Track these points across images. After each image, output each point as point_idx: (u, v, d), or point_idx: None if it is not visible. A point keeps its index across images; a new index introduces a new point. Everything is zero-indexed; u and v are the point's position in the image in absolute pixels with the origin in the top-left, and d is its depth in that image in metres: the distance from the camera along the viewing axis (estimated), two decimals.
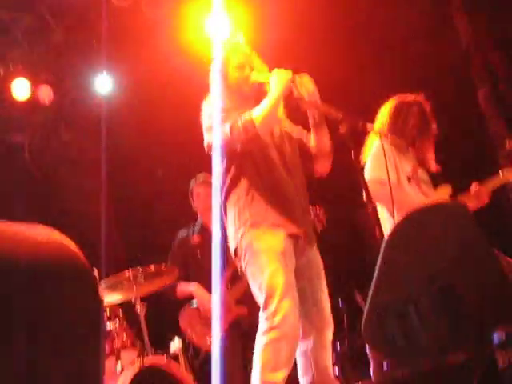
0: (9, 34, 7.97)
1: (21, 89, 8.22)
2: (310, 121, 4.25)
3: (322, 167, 4.37)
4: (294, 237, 4.00)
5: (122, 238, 9.53)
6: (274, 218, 3.96)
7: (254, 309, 4.21)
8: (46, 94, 8.46)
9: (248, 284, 4.05)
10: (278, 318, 3.75)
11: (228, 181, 4.12)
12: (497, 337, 2.44)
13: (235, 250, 4.03)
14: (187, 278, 6.22)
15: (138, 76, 8.81)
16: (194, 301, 6.19)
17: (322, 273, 4.18)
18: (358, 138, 4.03)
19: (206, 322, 5.89)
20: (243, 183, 4.08)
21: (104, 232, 8.12)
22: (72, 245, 1.75)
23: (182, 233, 6.47)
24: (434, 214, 3.04)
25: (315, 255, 4.19)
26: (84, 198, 8.98)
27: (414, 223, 2.98)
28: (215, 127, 4.03)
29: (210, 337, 5.81)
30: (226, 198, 4.14)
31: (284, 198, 4.05)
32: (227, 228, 4.16)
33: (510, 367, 2.36)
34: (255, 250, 3.92)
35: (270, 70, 4.23)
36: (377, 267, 2.97)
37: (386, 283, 2.92)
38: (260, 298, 3.90)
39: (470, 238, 2.88)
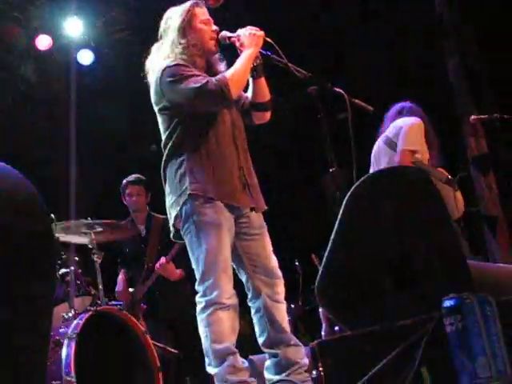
0: None
1: None
2: (250, 73, 4.15)
3: (262, 117, 4.31)
4: (233, 207, 3.99)
5: (88, 189, 9.45)
6: (214, 190, 3.91)
7: None
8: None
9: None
10: (215, 293, 3.84)
11: (171, 143, 4.01)
12: (446, 303, 2.47)
13: (175, 217, 4.01)
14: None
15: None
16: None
17: (265, 230, 4.18)
18: (326, 99, 3.98)
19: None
20: (187, 148, 3.97)
21: (74, 180, 8.08)
22: (26, 181, 1.73)
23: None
24: (393, 178, 3.07)
25: (258, 217, 4.17)
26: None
27: (372, 186, 3.00)
28: (178, 84, 3.87)
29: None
30: (168, 160, 4.05)
31: (226, 168, 3.96)
32: (166, 189, 4.11)
33: (456, 332, 2.40)
34: (194, 221, 3.90)
35: None
36: (334, 229, 2.99)
37: (341, 245, 2.95)
38: (196, 271, 3.96)
39: (427, 204, 2.90)
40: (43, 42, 8.50)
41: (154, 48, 4.21)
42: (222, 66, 4.16)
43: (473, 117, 5.87)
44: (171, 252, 6.09)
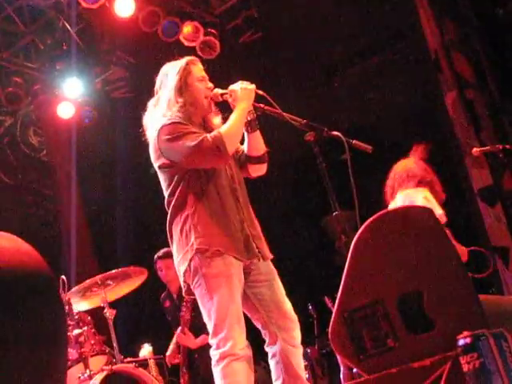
0: None
1: None
2: (244, 127, 4.18)
3: (258, 170, 4.33)
4: (239, 259, 4.00)
5: (92, 243, 9.48)
6: (221, 243, 3.92)
7: None
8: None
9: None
10: (228, 345, 3.82)
11: (174, 201, 4.01)
12: (461, 341, 2.46)
13: (184, 273, 4.01)
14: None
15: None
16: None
17: (276, 276, 4.18)
18: (324, 145, 3.99)
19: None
20: (189, 204, 3.97)
21: (74, 238, 8.11)
22: (35, 253, 1.74)
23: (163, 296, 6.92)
24: (401, 218, 3.07)
25: (266, 264, 4.17)
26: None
27: (377, 228, 3.00)
28: (175, 142, 3.89)
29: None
30: (172, 218, 4.05)
31: (229, 221, 4.00)
32: (172, 248, 4.11)
33: (473, 371, 2.38)
34: (204, 275, 3.89)
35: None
36: (344, 272, 2.99)
37: (352, 288, 2.94)
38: (209, 324, 3.95)
39: (436, 243, 2.90)
40: (44, 104, 8.62)
41: (151, 104, 4.25)
42: (217, 120, 4.19)
43: (475, 149, 5.86)
44: (182, 321, 6.15)
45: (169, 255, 6.47)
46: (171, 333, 6.66)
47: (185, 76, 4.12)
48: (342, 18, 8.50)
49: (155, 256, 6.75)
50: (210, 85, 4.19)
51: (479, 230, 7.87)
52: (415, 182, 5.39)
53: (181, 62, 4.20)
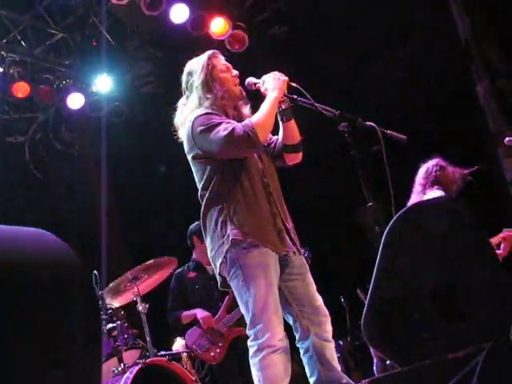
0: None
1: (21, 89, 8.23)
2: (279, 116, 4.20)
3: (294, 159, 4.34)
4: (275, 251, 4.00)
5: (123, 235, 9.55)
6: (256, 235, 3.93)
7: None
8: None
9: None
10: (267, 336, 3.83)
11: (208, 194, 4.04)
12: None
13: (220, 265, 4.02)
14: (188, 308, 6.69)
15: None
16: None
17: (308, 270, 4.18)
18: (357, 135, 3.97)
19: (212, 337, 6.45)
20: (224, 196, 3.99)
21: (105, 231, 8.18)
22: (66, 246, 1.75)
23: (178, 271, 6.86)
24: (430, 211, 3.04)
25: (300, 259, 4.17)
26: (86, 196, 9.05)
27: (410, 220, 2.98)
28: (208, 133, 3.92)
29: (214, 351, 6.39)
30: (206, 211, 4.07)
31: (262, 214, 4.02)
32: (206, 240, 4.13)
33: None
34: (241, 265, 3.91)
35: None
36: (376, 264, 2.97)
37: (385, 280, 2.92)
38: (246, 315, 3.95)
39: (470, 234, 2.88)
40: (75, 100, 8.67)
41: (180, 103, 4.28)
42: (247, 110, 4.21)
43: (507, 138, 5.80)
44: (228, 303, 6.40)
45: (191, 235, 6.84)
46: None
47: (210, 71, 4.14)
48: (369, 8, 8.45)
49: (191, 229, 6.82)
50: (236, 72, 4.22)
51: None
52: (436, 185, 5.44)
53: (202, 59, 4.21)
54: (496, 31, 8.36)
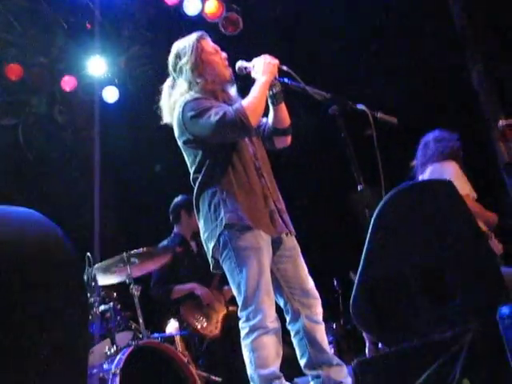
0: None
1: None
2: (269, 100, 4.19)
3: (283, 142, 4.36)
4: (268, 233, 4.01)
5: (117, 221, 9.55)
6: (250, 218, 3.94)
7: None
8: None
9: None
10: (258, 318, 3.87)
11: (201, 177, 4.06)
12: (504, 310, 2.47)
13: (212, 248, 4.05)
14: (177, 282, 6.69)
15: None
16: None
17: (299, 252, 4.20)
18: (349, 119, 3.98)
19: (208, 312, 6.50)
20: (217, 180, 4.02)
21: (98, 215, 8.18)
22: (55, 227, 1.76)
23: (163, 245, 6.86)
24: (421, 191, 3.06)
25: (290, 239, 4.19)
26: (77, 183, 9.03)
27: (399, 201, 2.99)
28: (200, 118, 3.93)
29: (214, 327, 6.45)
30: (199, 194, 4.10)
31: (256, 196, 4.04)
32: (200, 223, 4.15)
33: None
34: (233, 248, 3.94)
35: None
36: (365, 245, 2.99)
37: (373, 262, 2.94)
38: (238, 297, 3.98)
39: (456, 216, 2.89)
40: (68, 83, 8.65)
41: (166, 85, 4.28)
42: (233, 91, 4.23)
43: (501, 122, 5.81)
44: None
45: (174, 209, 6.91)
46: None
47: (199, 54, 4.13)
48: None
49: (176, 205, 6.86)
50: (224, 55, 4.22)
51: (506, 204, 7.80)
52: (444, 155, 5.38)
53: (191, 40, 4.19)
54: (491, 16, 8.35)
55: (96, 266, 5.45)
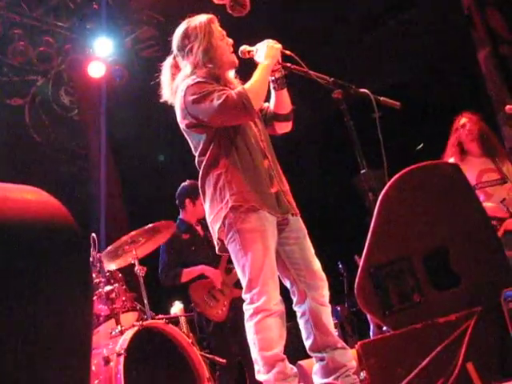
0: None
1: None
2: (272, 84, 4.18)
3: (284, 127, 4.35)
4: (273, 214, 4.01)
5: (122, 199, 9.57)
6: (255, 199, 3.93)
7: None
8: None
9: None
10: (262, 300, 3.86)
11: (206, 160, 4.04)
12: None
13: (218, 230, 4.05)
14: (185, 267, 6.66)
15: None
16: None
17: (306, 234, 4.20)
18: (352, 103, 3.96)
19: (216, 295, 6.47)
20: (222, 162, 4.00)
21: (104, 194, 8.20)
22: (62, 208, 1.75)
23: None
24: (426, 174, 3.05)
25: (296, 220, 4.19)
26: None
27: (404, 184, 2.99)
28: (202, 102, 3.89)
29: (220, 309, 6.41)
30: (205, 177, 4.08)
31: (261, 177, 4.03)
32: (205, 205, 4.15)
33: None
34: (238, 230, 3.92)
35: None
36: (370, 229, 2.99)
37: (378, 244, 2.94)
38: (243, 279, 3.98)
39: (462, 199, 2.89)
40: (75, 63, 8.65)
41: (167, 64, 4.25)
42: (232, 74, 4.21)
43: (508, 106, 5.78)
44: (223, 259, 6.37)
45: (179, 197, 6.84)
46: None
47: (209, 39, 4.09)
48: None
49: (181, 193, 6.83)
50: (231, 41, 4.19)
51: None
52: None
53: (202, 22, 4.15)
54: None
55: (104, 251, 5.47)
